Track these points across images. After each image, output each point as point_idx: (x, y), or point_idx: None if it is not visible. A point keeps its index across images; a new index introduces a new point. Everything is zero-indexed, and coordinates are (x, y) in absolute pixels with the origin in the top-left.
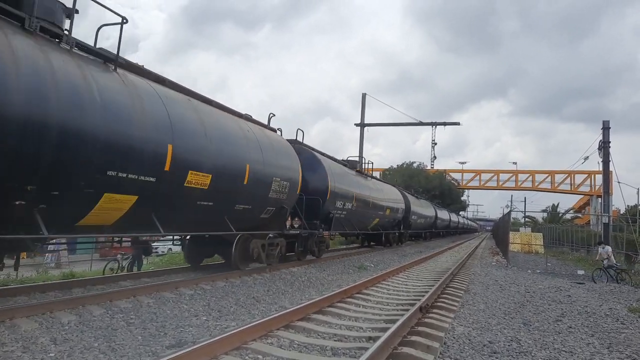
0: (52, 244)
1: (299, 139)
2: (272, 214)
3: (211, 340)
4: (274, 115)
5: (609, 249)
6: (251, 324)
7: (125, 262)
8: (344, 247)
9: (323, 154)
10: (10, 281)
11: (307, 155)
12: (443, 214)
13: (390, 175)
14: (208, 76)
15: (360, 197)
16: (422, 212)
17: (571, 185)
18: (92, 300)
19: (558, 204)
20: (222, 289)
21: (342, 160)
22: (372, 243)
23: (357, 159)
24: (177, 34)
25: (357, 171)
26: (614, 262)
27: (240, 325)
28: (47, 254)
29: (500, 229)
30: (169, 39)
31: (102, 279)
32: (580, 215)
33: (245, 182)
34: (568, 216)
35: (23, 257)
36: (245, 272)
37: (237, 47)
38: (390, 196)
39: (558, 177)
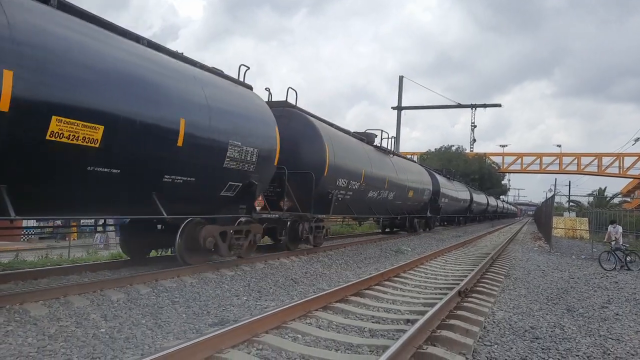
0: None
1: (291, 100)
2: (237, 190)
3: (252, 319)
4: (249, 68)
5: (619, 228)
6: (290, 305)
7: None
8: (360, 233)
9: (323, 121)
10: (63, 261)
11: (299, 121)
12: (480, 198)
13: (428, 159)
14: (245, 62)
15: (372, 175)
16: (454, 194)
17: (619, 168)
18: (139, 279)
19: (605, 188)
20: (262, 271)
21: (355, 132)
22: (395, 229)
23: (377, 132)
24: (216, 21)
25: (374, 146)
26: (622, 243)
27: (279, 306)
28: (96, 235)
29: (543, 214)
30: (208, 26)
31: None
32: (629, 199)
33: (179, 144)
34: (616, 200)
35: (74, 239)
36: (283, 255)
37: (273, 33)
38: (414, 176)
39: (605, 160)
